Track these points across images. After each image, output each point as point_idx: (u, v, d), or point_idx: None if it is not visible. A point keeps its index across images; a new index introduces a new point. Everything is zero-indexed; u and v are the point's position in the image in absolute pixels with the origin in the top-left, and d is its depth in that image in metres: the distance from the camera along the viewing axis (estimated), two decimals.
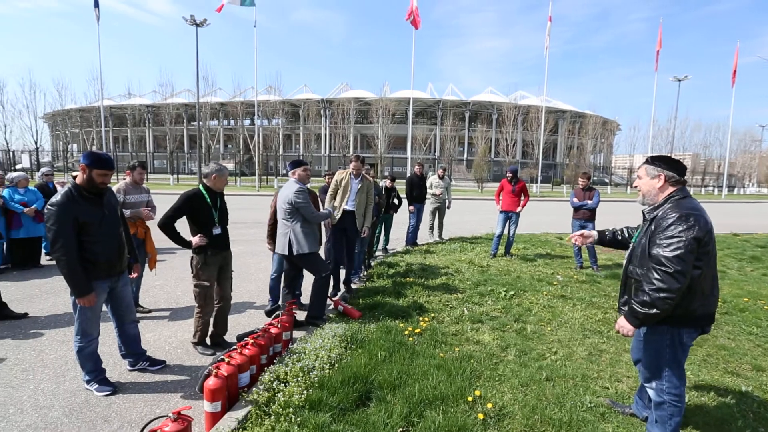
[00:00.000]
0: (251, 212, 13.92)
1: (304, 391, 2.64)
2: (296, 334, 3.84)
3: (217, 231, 3.53)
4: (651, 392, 2.30)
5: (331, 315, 4.31)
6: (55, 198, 2.72)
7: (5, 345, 3.65)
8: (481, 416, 2.54)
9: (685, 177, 2.25)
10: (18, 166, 35.51)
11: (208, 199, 3.49)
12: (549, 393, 2.88)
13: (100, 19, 27.78)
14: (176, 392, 3.00)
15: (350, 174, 5.09)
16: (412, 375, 2.99)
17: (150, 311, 4.55)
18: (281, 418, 2.41)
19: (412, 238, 8.53)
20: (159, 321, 4.33)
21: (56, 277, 5.67)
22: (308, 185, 4.21)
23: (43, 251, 6.68)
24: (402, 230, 9.09)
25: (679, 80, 34.48)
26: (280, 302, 4.54)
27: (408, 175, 10.76)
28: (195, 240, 3.40)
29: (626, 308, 2.32)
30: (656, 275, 2.03)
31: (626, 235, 2.64)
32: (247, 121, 49.60)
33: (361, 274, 6.04)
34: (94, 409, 2.74)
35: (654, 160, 2.27)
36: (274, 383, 2.73)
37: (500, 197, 7.52)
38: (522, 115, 48.06)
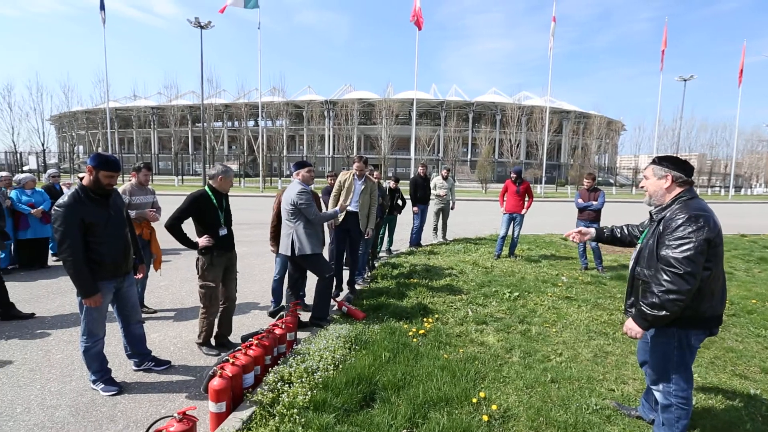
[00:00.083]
0: (255, 213, 13.96)
1: (309, 392, 2.65)
2: (300, 335, 3.85)
3: (223, 232, 3.55)
4: (658, 395, 2.28)
5: (335, 316, 4.32)
6: (62, 199, 2.74)
7: (13, 345, 3.69)
8: (485, 418, 2.53)
9: (692, 177, 2.23)
10: (25, 168, 35.84)
11: (214, 200, 3.51)
12: (554, 395, 2.86)
13: (106, 22, 28.03)
14: (181, 392, 3.01)
15: (353, 175, 5.10)
16: (417, 376, 2.99)
17: (155, 312, 4.58)
18: (286, 419, 2.41)
19: (415, 239, 8.52)
20: (164, 321, 4.35)
21: (63, 278, 5.72)
22: (312, 186, 4.22)
23: (50, 252, 6.75)
24: (406, 231, 9.08)
25: (685, 80, 34.22)
26: (284, 303, 4.55)
27: (412, 176, 10.75)
28: (202, 241, 3.42)
29: (633, 310, 2.30)
30: (666, 277, 2.01)
31: (626, 232, 2.63)
32: (251, 123, 49.87)
33: (365, 275, 6.04)
34: (100, 408, 2.76)
35: (661, 161, 2.25)
36: (279, 384, 2.73)
37: (504, 198, 7.50)
38: (526, 115, 47.93)
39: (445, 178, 8.89)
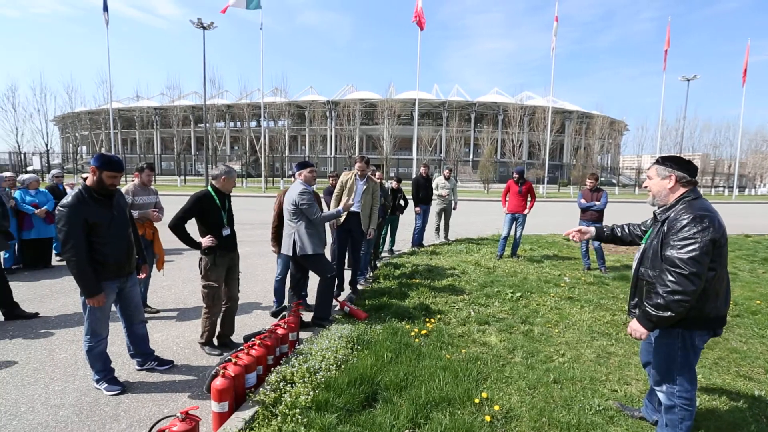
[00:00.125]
0: (257, 213, 13.99)
1: (311, 392, 2.65)
2: (302, 335, 3.85)
3: (226, 232, 3.56)
4: (661, 396, 2.26)
5: (337, 316, 4.32)
6: (66, 199, 2.75)
7: (17, 344, 3.71)
8: (488, 418, 2.52)
9: (696, 178, 2.22)
10: (29, 168, 36.04)
11: (217, 201, 3.52)
12: (557, 395, 2.85)
13: (109, 23, 28.14)
14: (184, 392, 3.02)
15: (355, 175, 5.10)
16: (419, 376, 2.99)
17: (158, 311, 4.59)
18: (288, 419, 2.42)
19: (418, 240, 8.51)
20: (167, 321, 4.37)
21: (66, 278, 5.75)
22: (314, 187, 4.22)
23: (54, 252, 6.78)
24: (408, 231, 9.08)
25: (688, 80, 34.09)
26: (286, 303, 4.56)
27: (414, 176, 10.75)
28: (205, 241, 3.43)
29: (637, 311, 2.29)
30: (671, 277, 2.00)
31: (627, 231, 2.62)
32: (253, 123, 49.97)
33: (367, 276, 6.04)
34: (104, 408, 2.77)
35: (665, 161, 2.24)
36: (281, 384, 2.73)
37: (506, 198, 7.49)
38: (528, 115, 47.81)
39: (447, 179, 8.89)
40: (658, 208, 2.27)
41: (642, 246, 2.36)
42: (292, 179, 4.77)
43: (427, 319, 4.21)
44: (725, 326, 2.30)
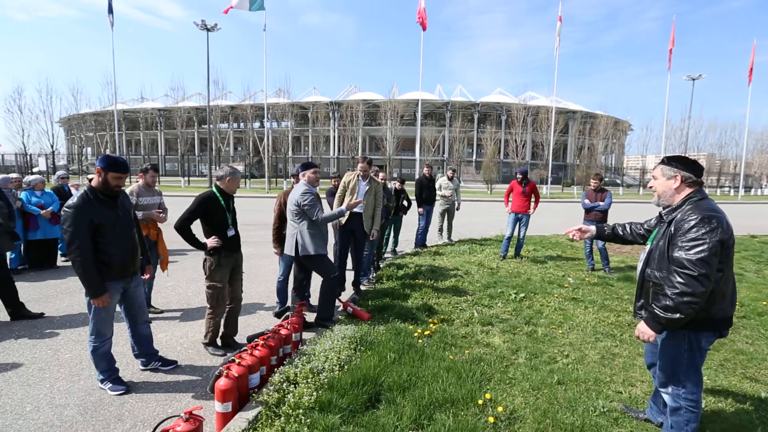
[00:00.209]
0: (261, 214, 14.02)
1: (314, 393, 2.65)
2: (306, 335, 3.85)
3: (231, 233, 3.57)
4: (667, 397, 2.25)
5: (340, 317, 4.32)
6: (72, 200, 2.77)
7: (23, 344, 3.73)
8: (491, 419, 2.51)
9: (702, 178, 2.21)
10: (35, 170, 36.34)
11: (222, 202, 3.53)
12: (561, 397, 2.84)
13: (114, 25, 28.33)
14: (188, 392, 3.03)
15: (358, 176, 5.10)
16: (422, 377, 2.98)
17: (162, 312, 4.61)
18: (291, 419, 2.42)
19: (421, 240, 8.50)
20: (171, 321, 4.38)
21: (71, 278, 5.78)
22: (317, 188, 4.22)
23: (59, 252, 6.82)
24: (411, 232, 9.08)
25: (693, 79, 33.85)
26: (289, 304, 4.56)
27: (417, 176, 10.74)
28: (210, 242, 3.44)
29: (643, 312, 2.27)
30: (680, 279, 1.97)
31: (629, 230, 2.60)
32: (256, 124, 50.08)
33: (370, 276, 6.04)
34: (108, 408, 2.79)
35: (670, 161, 2.22)
36: (284, 384, 2.74)
37: (509, 198, 7.47)
38: (531, 115, 47.65)
39: (450, 179, 8.87)
40: (664, 208, 2.25)
41: (647, 247, 2.33)
42: (292, 179, 4.78)
43: (431, 320, 4.20)
44: (731, 327, 2.28)
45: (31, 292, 5.15)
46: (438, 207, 8.91)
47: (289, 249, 4.11)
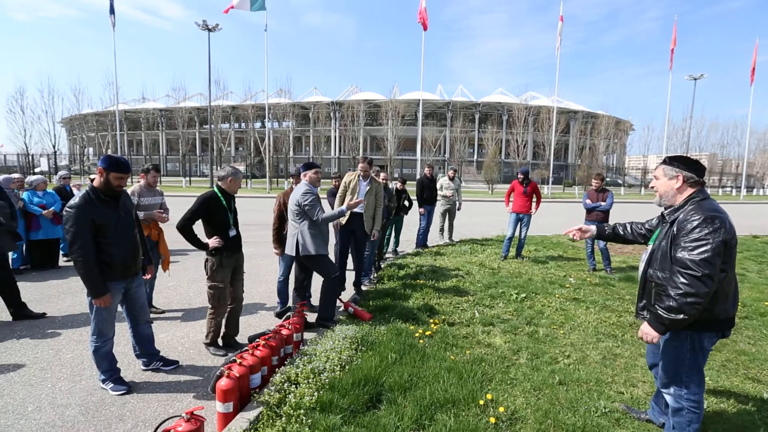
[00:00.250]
0: (262, 214, 14.02)
1: (315, 393, 2.65)
2: (307, 335, 3.85)
3: (233, 233, 3.58)
4: (669, 398, 2.24)
5: (341, 317, 4.32)
6: (74, 201, 2.78)
7: (24, 344, 3.74)
8: (492, 420, 2.51)
9: (704, 178, 2.20)
10: (37, 170, 36.43)
11: (224, 202, 3.54)
12: (562, 397, 2.83)
13: (116, 26, 28.39)
14: (189, 392, 3.03)
15: (358, 176, 5.09)
16: (423, 378, 2.98)
17: (163, 312, 4.62)
18: (292, 420, 2.42)
19: (422, 240, 8.50)
20: (172, 322, 4.39)
21: (73, 278, 5.80)
22: (318, 189, 4.22)
23: (61, 253, 6.84)
24: (412, 232, 9.07)
25: (695, 79, 33.80)
26: (290, 304, 4.56)
27: (418, 177, 10.73)
28: (212, 242, 3.44)
29: (645, 313, 2.27)
30: (683, 279, 1.97)
31: (629, 230, 2.59)
32: (257, 124, 50.18)
33: (372, 276, 6.04)
34: (109, 408, 2.79)
35: (672, 161, 2.22)
36: (285, 384, 2.74)
37: (510, 198, 7.47)
38: (533, 115, 47.61)
39: (451, 179, 8.87)
40: (666, 208, 2.24)
41: (649, 247, 2.32)
42: (291, 179, 4.78)
43: (432, 320, 4.20)
44: (733, 328, 2.27)
45: (33, 292, 5.16)
46: (439, 207, 8.91)
47: (290, 249, 4.12)
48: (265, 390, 2.70)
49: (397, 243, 8.10)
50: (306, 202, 3.95)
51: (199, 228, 3.44)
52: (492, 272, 6.38)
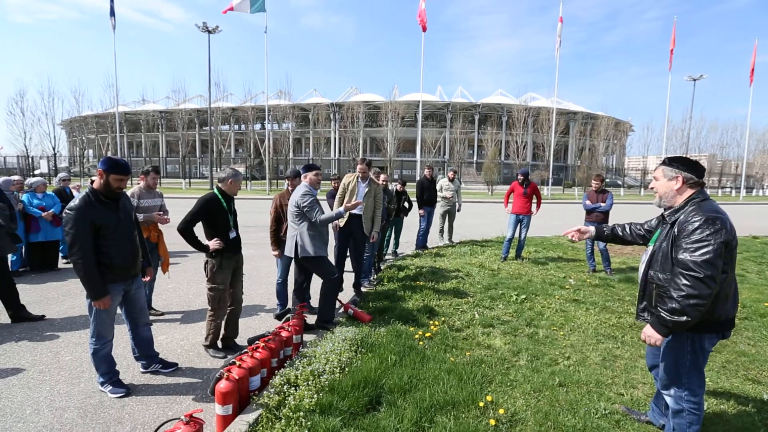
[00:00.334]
0: (261, 216, 14.02)
1: (315, 395, 2.64)
2: (306, 337, 3.85)
3: (233, 235, 3.57)
4: (669, 399, 2.24)
5: (341, 319, 4.31)
6: (74, 202, 2.78)
7: (23, 347, 3.74)
8: (492, 422, 2.50)
9: (704, 178, 2.20)
10: (36, 172, 36.44)
11: (224, 204, 3.53)
12: (562, 399, 2.83)
13: (116, 28, 28.43)
14: (188, 395, 3.03)
15: (357, 177, 5.09)
16: (423, 379, 2.97)
17: (162, 314, 4.61)
18: (292, 422, 2.41)
19: (422, 242, 8.50)
20: (171, 324, 4.38)
21: (72, 280, 5.79)
22: (317, 191, 4.22)
23: (60, 255, 6.83)
24: (412, 233, 9.07)
25: (694, 80, 33.86)
26: (289, 306, 4.56)
27: (418, 178, 10.74)
28: (212, 244, 3.44)
29: (646, 314, 2.26)
30: (685, 281, 1.96)
31: (628, 231, 2.59)
32: (257, 126, 50.24)
33: (371, 278, 6.03)
34: (108, 410, 2.78)
35: (671, 161, 2.22)
36: (285, 387, 2.73)
37: (509, 199, 7.47)
38: (532, 117, 47.68)
39: (451, 180, 8.87)
40: (666, 209, 2.24)
41: (650, 248, 2.32)
42: (287, 180, 4.77)
43: (431, 322, 4.19)
44: (733, 329, 2.27)
45: (32, 295, 5.16)
46: (439, 208, 8.90)
47: (289, 251, 4.11)
48: (265, 392, 2.69)
49: (396, 244, 8.10)
50: (305, 204, 3.95)
51: (199, 230, 3.44)
52: (492, 273, 6.38)
